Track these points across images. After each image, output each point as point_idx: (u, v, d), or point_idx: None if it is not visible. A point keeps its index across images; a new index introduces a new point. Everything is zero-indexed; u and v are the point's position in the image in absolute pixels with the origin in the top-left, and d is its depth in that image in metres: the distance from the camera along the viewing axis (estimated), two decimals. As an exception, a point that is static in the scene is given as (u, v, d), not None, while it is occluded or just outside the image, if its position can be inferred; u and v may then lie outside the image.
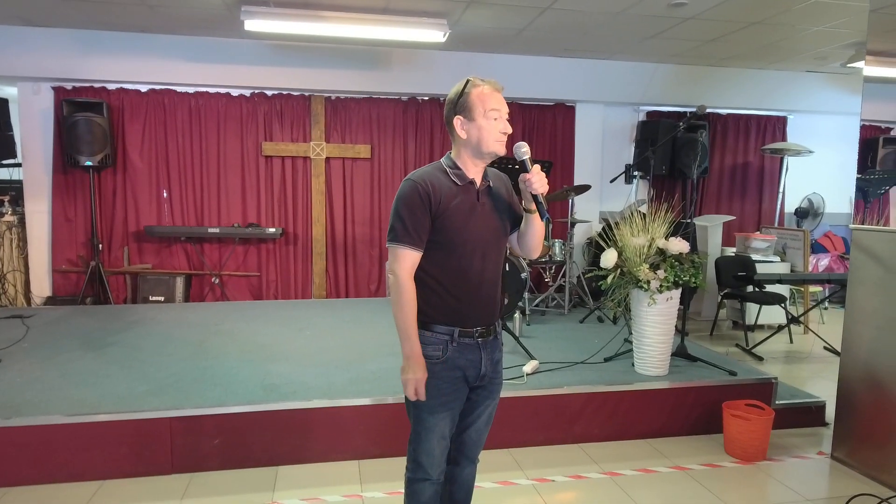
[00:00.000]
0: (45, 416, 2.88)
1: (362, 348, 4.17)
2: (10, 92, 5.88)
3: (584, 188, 5.39)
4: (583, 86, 6.50)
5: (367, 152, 6.30)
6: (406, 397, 1.89)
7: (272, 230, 6.09)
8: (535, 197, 1.82)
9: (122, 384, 3.33)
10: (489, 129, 1.81)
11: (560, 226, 6.08)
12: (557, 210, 6.41)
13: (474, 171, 1.87)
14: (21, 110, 5.74)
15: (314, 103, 6.21)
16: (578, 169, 6.74)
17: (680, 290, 3.55)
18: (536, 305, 5.51)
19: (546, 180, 1.84)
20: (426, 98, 6.41)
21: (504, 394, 3.26)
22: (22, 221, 5.86)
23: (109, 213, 5.93)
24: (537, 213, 1.87)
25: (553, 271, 5.84)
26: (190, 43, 5.70)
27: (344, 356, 3.96)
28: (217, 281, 6.10)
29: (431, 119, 6.43)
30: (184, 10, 4.88)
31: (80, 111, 5.49)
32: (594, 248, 6.37)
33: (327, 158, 6.26)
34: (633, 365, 3.72)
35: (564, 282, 5.55)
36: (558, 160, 6.62)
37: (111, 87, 5.82)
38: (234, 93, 6.06)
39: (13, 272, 5.77)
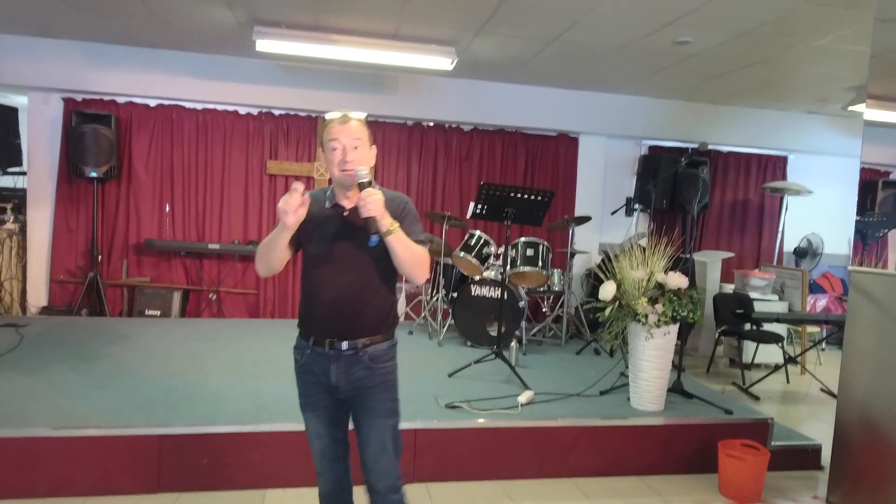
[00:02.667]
0: (32, 427, 2.85)
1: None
2: (20, 101, 5.95)
3: (585, 219, 5.41)
4: (586, 118, 6.58)
5: (371, 175, 6.33)
6: None
7: (272, 248, 6.08)
8: (366, 219, 1.86)
9: (111, 398, 3.30)
10: (332, 160, 1.97)
11: (559, 256, 6.08)
12: (557, 240, 6.42)
13: (343, 196, 2.01)
14: (30, 119, 5.80)
15: (320, 124, 6.27)
16: (580, 200, 6.77)
17: (678, 325, 3.54)
18: (533, 335, 5.48)
19: (377, 204, 1.84)
20: (431, 123, 6.47)
21: (497, 423, 3.27)
22: (23, 230, 5.86)
23: (111, 225, 5.94)
24: (395, 236, 1.87)
25: (551, 301, 5.83)
26: (200, 60, 5.78)
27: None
28: (214, 297, 6.08)
29: (436, 144, 6.49)
30: (197, 28, 4.95)
31: (88, 122, 5.54)
32: (593, 280, 6.37)
33: (331, 179, 6.28)
34: (628, 399, 3.69)
35: (562, 312, 5.54)
36: (560, 190, 6.66)
37: (120, 100, 5.88)
38: (242, 110, 6.12)
39: (10, 280, 5.76)
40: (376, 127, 6.36)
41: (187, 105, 6.01)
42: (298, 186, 1.88)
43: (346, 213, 1.99)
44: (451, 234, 5.84)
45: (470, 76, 6.07)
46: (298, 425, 3.03)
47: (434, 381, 3.97)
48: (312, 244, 2.01)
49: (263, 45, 4.92)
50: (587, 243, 6.44)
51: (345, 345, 1.98)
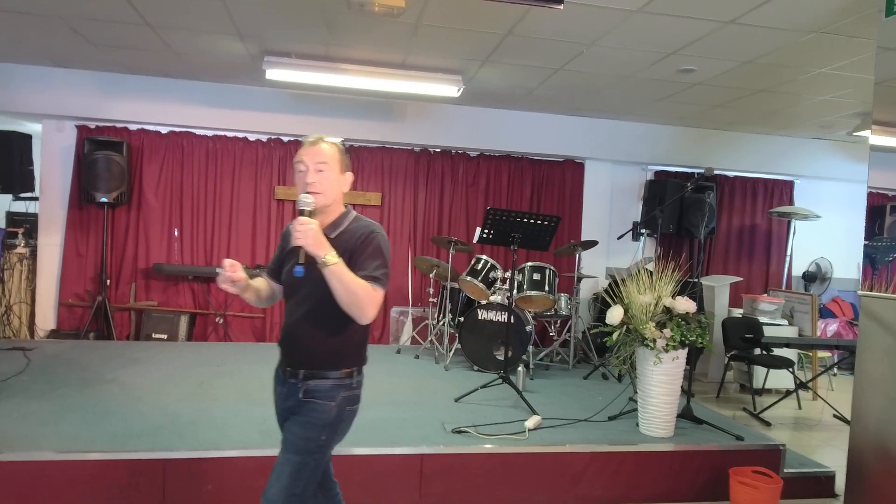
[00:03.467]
0: (37, 451, 2.84)
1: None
2: (34, 128, 6.06)
3: (591, 244, 5.42)
4: (592, 144, 6.63)
5: (378, 200, 6.39)
6: None
7: (279, 273, 6.11)
8: (295, 248, 1.82)
9: (117, 423, 3.29)
10: (298, 183, 1.95)
11: (566, 280, 6.07)
12: (564, 265, 6.42)
13: (319, 220, 1.87)
14: (43, 146, 5.90)
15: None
16: (586, 224, 6.78)
17: (686, 350, 3.51)
18: (540, 359, 5.44)
19: (308, 234, 1.75)
20: (438, 150, 6.53)
21: (504, 449, 3.23)
22: (34, 254, 5.92)
23: (120, 249, 5.99)
24: (329, 269, 1.76)
25: (558, 325, 5.80)
26: (211, 88, 5.89)
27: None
28: (221, 321, 6.09)
29: (442, 170, 6.54)
30: (209, 58, 5.06)
31: (100, 149, 5.63)
32: (600, 304, 6.34)
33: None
34: (637, 425, 3.64)
35: (569, 336, 5.51)
36: (566, 215, 6.68)
37: (133, 127, 5.98)
38: (251, 137, 6.21)
39: (20, 304, 5.79)
40: (384, 153, 6.43)
41: (198, 132, 6.10)
42: (225, 266, 1.92)
43: (329, 239, 1.95)
44: (458, 259, 5.86)
45: (476, 103, 6.15)
46: (304, 450, 3.03)
47: (441, 406, 3.94)
48: (284, 272, 2.05)
49: (273, 73, 5.01)
50: (594, 268, 6.43)
51: (290, 372, 2.01)
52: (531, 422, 3.53)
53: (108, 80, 5.72)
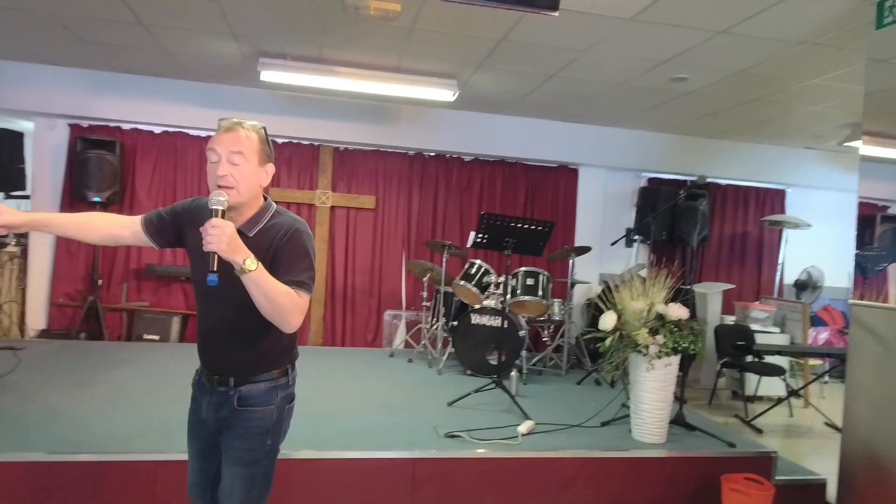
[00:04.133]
0: (27, 452, 2.81)
1: (353, 400, 4.10)
2: (26, 126, 6.01)
3: (585, 249, 5.43)
4: (586, 150, 6.65)
5: (372, 203, 6.38)
6: None
7: (272, 275, 6.09)
8: (208, 254, 1.57)
9: (107, 424, 3.26)
10: (209, 173, 1.71)
11: (560, 286, 6.08)
12: (557, 270, 6.43)
13: (230, 215, 1.66)
14: (35, 145, 5.85)
15: (322, 153, 6.33)
16: (579, 230, 6.81)
17: (679, 356, 3.52)
18: (534, 365, 5.45)
19: (219, 238, 1.53)
20: (432, 154, 6.54)
21: (497, 454, 3.22)
22: (24, 253, 5.87)
23: (112, 250, 5.94)
24: (248, 277, 1.57)
25: (551, 331, 5.81)
26: (205, 89, 5.87)
27: (334, 407, 3.89)
28: (213, 323, 6.05)
29: (437, 174, 6.54)
30: (203, 59, 5.04)
31: (93, 148, 5.59)
32: (593, 310, 6.35)
33: (332, 207, 6.33)
34: (629, 431, 3.65)
35: (563, 342, 5.51)
36: (560, 221, 6.69)
37: (126, 126, 5.95)
38: (246, 139, 6.18)
39: (10, 303, 5.74)
40: (378, 157, 6.43)
41: (191, 132, 6.08)
42: None
43: (247, 237, 1.71)
44: (452, 263, 5.85)
45: (471, 108, 6.17)
46: (295, 453, 3.01)
47: (433, 411, 3.93)
48: (193, 266, 1.80)
49: (268, 75, 5.01)
50: (587, 273, 6.44)
51: (218, 380, 1.82)
52: (524, 427, 3.53)
53: (101, 79, 5.69)
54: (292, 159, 6.29)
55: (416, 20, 3.92)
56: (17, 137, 5.74)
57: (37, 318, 5.82)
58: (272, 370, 1.84)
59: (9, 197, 5.88)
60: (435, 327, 5.53)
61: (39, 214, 1.85)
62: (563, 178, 6.81)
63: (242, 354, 1.80)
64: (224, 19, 4.11)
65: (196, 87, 5.85)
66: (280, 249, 1.71)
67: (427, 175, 6.54)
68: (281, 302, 1.63)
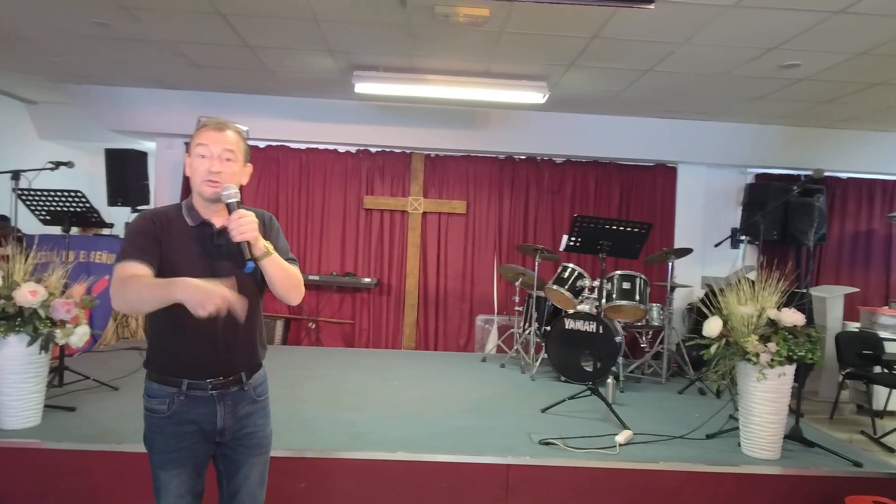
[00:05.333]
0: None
1: (447, 403, 4.13)
2: (148, 146, 6.60)
3: (685, 251, 5.16)
4: (685, 147, 6.33)
5: (463, 208, 6.42)
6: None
7: (367, 280, 6.28)
8: (239, 244, 1.68)
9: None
10: (196, 167, 1.74)
11: (658, 290, 5.82)
12: (655, 273, 6.15)
13: (209, 210, 1.78)
14: (157, 162, 6.41)
15: (414, 160, 6.46)
16: (679, 231, 6.48)
17: (794, 366, 3.25)
18: (631, 372, 5.23)
19: (251, 227, 1.66)
20: (523, 157, 6.48)
21: (593, 463, 3.12)
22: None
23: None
24: (270, 259, 1.72)
25: (650, 337, 5.56)
26: (304, 103, 6.16)
27: (428, 410, 3.93)
28: (313, 326, 6.33)
29: (527, 177, 6.48)
30: (302, 75, 5.30)
31: (205, 164, 6.02)
32: (696, 315, 6.01)
33: (424, 213, 6.44)
34: (738, 445, 3.41)
35: (662, 348, 5.26)
36: (658, 222, 6.41)
37: (234, 143, 6.36)
38: (341, 149, 6.44)
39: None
40: (468, 162, 6.46)
41: (292, 145, 6.40)
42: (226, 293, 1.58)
43: (216, 232, 1.78)
44: (544, 267, 5.76)
45: (562, 109, 6.05)
46: (391, 454, 3.08)
47: (527, 417, 3.88)
48: (178, 270, 1.69)
49: (362, 87, 5.17)
50: (688, 276, 6.12)
51: (230, 381, 1.79)
52: (622, 436, 3.40)
53: (211, 99, 6.12)
54: (385, 167, 6.46)
55: (505, 23, 3.90)
56: (142, 157, 6.31)
57: (159, 321, 6.33)
58: (263, 354, 1.93)
59: (135, 210, 6.46)
60: (527, 332, 5.46)
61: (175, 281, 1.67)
62: (660, 177, 6.52)
63: (249, 346, 1.85)
64: (321, 36, 4.30)
65: (295, 102, 6.16)
66: (270, 234, 1.84)
67: (518, 178, 6.49)
68: (296, 275, 1.83)
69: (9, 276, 3.21)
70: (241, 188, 1.80)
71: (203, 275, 1.66)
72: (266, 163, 6.38)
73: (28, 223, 4.55)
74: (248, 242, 1.67)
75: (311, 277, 6.25)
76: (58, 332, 3.25)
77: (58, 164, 4.27)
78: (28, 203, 4.31)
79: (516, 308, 5.70)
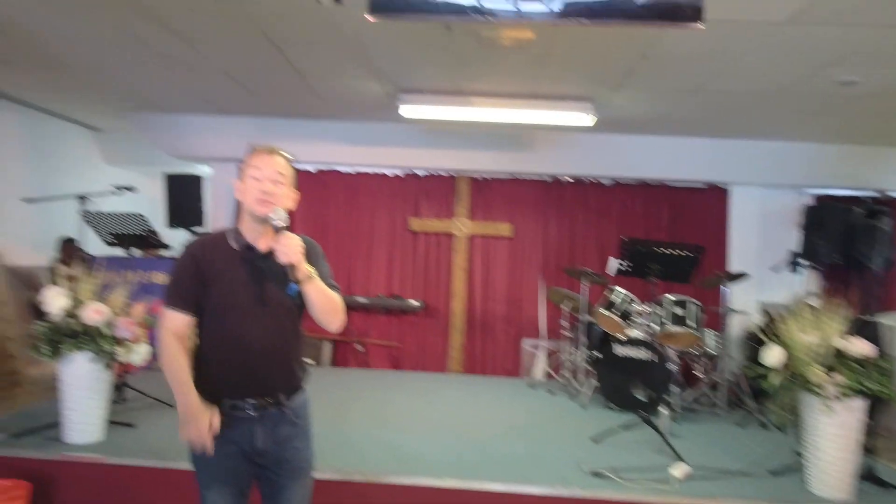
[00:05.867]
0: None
1: (494, 429, 4.06)
2: (205, 170, 6.84)
3: (740, 276, 4.98)
4: (737, 167, 6.14)
5: (509, 231, 6.39)
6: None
7: (414, 302, 6.30)
8: (285, 266, 1.72)
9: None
10: (250, 188, 1.80)
11: (712, 315, 5.62)
12: (709, 298, 5.95)
13: (255, 234, 1.83)
14: (212, 186, 6.63)
15: (459, 183, 6.48)
16: (733, 255, 6.27)
17: (867, 400, 3.05)
18: (686, 402, 5.04)
19: (297, 249, 1.72)
20: (569, 179, 6.42)
21: (649, 498, 3.00)
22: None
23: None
24: (313, 283, 1.76)
25: (705, 365, 5.35)
26: (351, 128, 6.27)
27: (476, 435, 3.88)
28: (361, 348, 6.36)
29: (574, 200, 6.41)
30: (349, 100, 5.41)
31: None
32: (753, 342, 5.78)
33: (470, 236, 6.43)
34: (804, 482, 3.22)
35: (719, 378, 5.05)
36: (710, 245, 6.19)
37: (285, 167, 6.52)
38: (388, 172, 6.52)
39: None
40: (514, 184, 6.45)
41: (341, 169, 6.53)
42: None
43: (260, 255, 1.82)
44: (592, 291, 5.65)
45: (609, 130, 5.97)
46: (438, 480, 3.03)
47: (576, 445, 3.77)
48: (222, 292, 1.79)
49: (407, 110, 5.23)
50: (744, 302, 5.88)
51: (270, 402, 1.82)
52: (678, 470, 3.26)
53: (263, 125, 6.30)
54: (430, 190, 6.50)
55: (551, 45, 3.90)
56: (198, 181, 6.54)
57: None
58: (304, 376, 1.95)
59: (191, 232, 6.68)
60: (576, 357, 5.34)
61: (190, 393, 1.79)
62: (711, 199, 6.35)
63: (288, 368, 1.88)
64: (368, 61, 4.39)
65: (343, 127, 6.28)
66: (314, 259, 1.86)
67: (564, 201, 6.43)
68: (337, 301, 1.86)
69: (76, 296, 3.35)
70: (290, 213, 1.85)
71: (246, 296, 1.79)
72: (315, 186, 6.52)
73: (93, 245, 4.75)
74: (293, 265, 1.72)
75: (358, 299, 6.31)
76: (120, 349, 3.36)
77: (121, 189, 4.47)
78: (93, 225, 4.52)
79: (564, 333, 5.60)
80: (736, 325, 5.98)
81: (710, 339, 5.14)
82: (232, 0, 3.43)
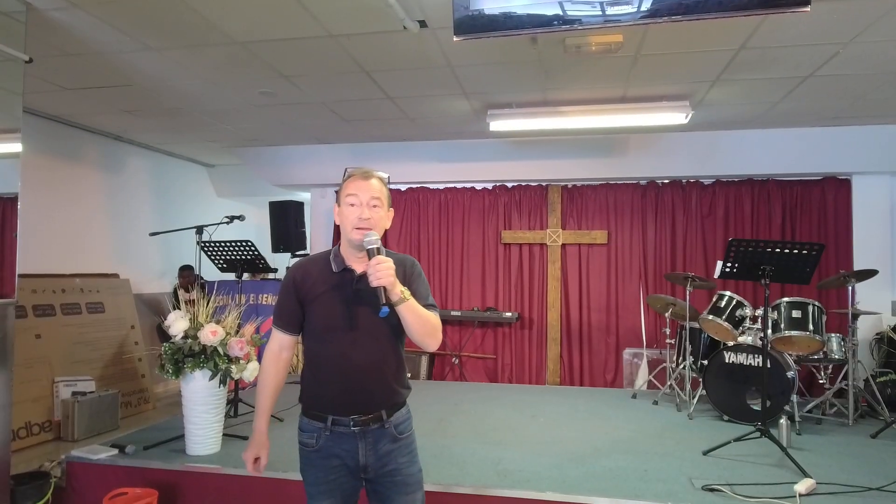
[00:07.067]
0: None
1: (597, 442, 3.94)
2: (304, 196, 7.25)
3: (869, 273, 4.53)
4: (860, 155, 5.62)
5: (604, 238, 6.22)
6: None
7: (509, 314, 6.27)
8: (376, 289, 1.73)
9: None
10: (347, 215, 1.84)
11: (836, 318, 5.15)
12: (833, 300, 5.47)
13: (354, 257, 1.88)
14: (312, 211, 7.01)
15: (551, 192, 6.41)
16: (859, 251, 5.72)
17: None
18: (809, 411, 4.64)
19: (388, 272, 1.72)
20: (666, 181, 6.17)
21: (770, 515, 2.78)
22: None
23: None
24: (406, 305, 1.77)
25: (830, 371, 4.90)
26: (441, 146, 6.41)
27: (578, 448, 3.78)
28: (457, 361, 6.42)
29: (672, 202, 6.14)
30: (439, 119, 5.54)
31: (354, 209, 6.47)
32: (886, 346, 5.23)
33: (563, 245, 6.33)
34: (957, 502, 2.86)
35: (846, 385, 4.61)
36: (831, 241, 5.72)
37: (378, 188, 6.77)
38: (478, 186, 6.58)
39: (297, 344, 6.82)
40: (607, 190, 6.28)
41: (431, 186, 6.67)
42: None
43: (356, 278, 1.86)
44: (696, 296, 5.37)
45: (707, 127, 5.68)
46: (540, 494, 2.99)
47: (686, 459, 3.58)
48: (321, 313, 1.88)
49: (496, 125, 5.26)
50: (875, 302, 5.34)
51: (371, 418, 1.85)
52: (802, 485, 3.00)
53: (358, 150, 6.59)
54: (521, 202, 6.48)
55: (641, 46, 3.79)
56: (299, 207, 6.93)
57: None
58: (405, 393, 1.95)
59: (294, 255, 7.08)
60: (682, 366, 5.08)
61: (261, 420, 2.01)
62: (830, 192, 5.84)
63: (388, 386, 1.89)
64: (457, 82, 4.48)
65: (434, 146, 6.43)
66: (411, 279, 1.90)
67: (662, 204, 6.18)
68: (433, 322, 1.86)
69: (194, 319, 3.65)
70: (386, 231, 1.93)
71: (341, 318, 1.85)
72: (408, 204, 6.70)
73: (208, 271, 5.16)
74: (385, 288, 1.74)
75: (452, 313, 6.38)
76: (233, 367, 3.61)
77: (232, 219, 4.82)
78: (209, 253, 4.90)
79: (667, 341, 5.35)
80: (865, 328, 5.45)
81: (835, 343, 4.71)
82: (329, 39, 3.65)
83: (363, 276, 1.82)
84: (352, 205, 1.85)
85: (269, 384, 1.98)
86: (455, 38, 2.72)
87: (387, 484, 1.88)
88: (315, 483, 1.90)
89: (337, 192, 2.04)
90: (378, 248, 1.79)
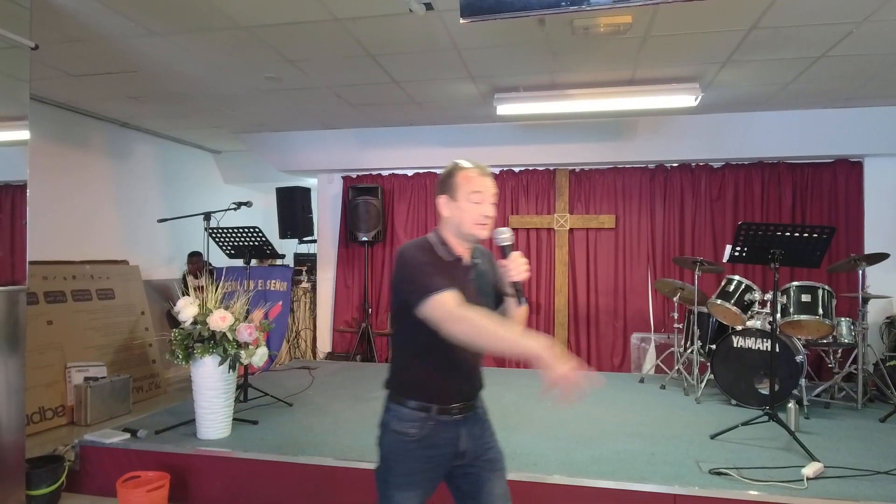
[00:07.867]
0: (321, 457, 3.29)
1: (604, 426, 3.95)
2: (311, 182, 7.24)
3: (880, 257, 4.49)
4: (872, 137, 5.54)
5: (612, 222, 6.19)
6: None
7: (516, 299, 6.26)
8: (513, 283, 1.81)
9: (381, 437, 3.65)
10: (470, 211, 1.83)
11: (847, 302, 5.12)
12: (843, 283, 5.43)
13: (460, 249, 1.88)
14: (318, 197, 7.01)
15: (559, 176, 6.38)
16: (870, 235, 5.67)
17: None
18: (817, 395, 4.63)
19: (525, 268, 1.81)
20: (675, 164, 6.12)
21: (775, 498, 2.80)
22: (314, 287, 7.01)
23: (378, 281, 6.76)
24: (525, 306, 1.85)
25: (839, 355, 4.89)
26: (448, 130, 6.37)
27: (585, 432, 3.80)
28: (464, 346, 6.43)
29: (681, 186, 6.09)
30: (445, 103, 5.50)
31: (360, 195, 6.48)
32: (896, 330, 5.21)
33: (571, 229, 6.31)
34: (966, 485, 2.85)
35: (856, 369, 4.59)
36: (842, 224, 5.67)
37: (385, 173, 6.76)
38: (485, 171, 6.54)
39: (305, 330, 6.88)
40: (615, 174, 6.24)
41: (438, 171, 6.62)
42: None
43: (477, 265, 1.90)
44: (705, 281, 5.34)
45: (717, 110, 5.61)
46: (547, 477, 3.00)
47: (694, 443, 3.59)
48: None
49: (503, 109, 5.22)
50: (885, 286, 5.29)
51: (470, 405, 1.90)
52: (810, 469, 3.00)
53: (364, 135, 6.56)
54: (529, 186, 6.45)
55: (650, 27, 3.73)
56: (306, 193, 6.93)
57: (324, 342, 6.88)
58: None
59: (301, 242, 7.10)
60: (690, 351, 5.08)
61: (527, 338, 1.74)
62: (841, 174, 5.78)
63: (482, 371, 1.97)
64: (463, 65, 4.43)
65: (441, 131, 6.39)
66: (495, 272, 1.94)
67: (670, 187, 6.13)
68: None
69: (204, 305, 3.68)
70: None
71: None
72: (415, 189, 6.68)
73: (216, 257, 5.18)
74: (521, 283, 1.83)
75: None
76: (242, 352, 3.64)
77: (239, 205, 4.82)
78: (217, 239, 4.92)
79: (675, 325, 5.34)
80: (875, 312, 5.41)
81: (844, 327, 4.68)
82: (335, 23, 3.62)
83: (476, 266, 1.88)
84: (477, 202, 1.84)
85: (489, 320, 1.70)
86: (461, 21, 2.68)
87: (481, 465, 1.90)
88: (407, 473, 1.84)
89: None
90: (511, 245, 1.88)
